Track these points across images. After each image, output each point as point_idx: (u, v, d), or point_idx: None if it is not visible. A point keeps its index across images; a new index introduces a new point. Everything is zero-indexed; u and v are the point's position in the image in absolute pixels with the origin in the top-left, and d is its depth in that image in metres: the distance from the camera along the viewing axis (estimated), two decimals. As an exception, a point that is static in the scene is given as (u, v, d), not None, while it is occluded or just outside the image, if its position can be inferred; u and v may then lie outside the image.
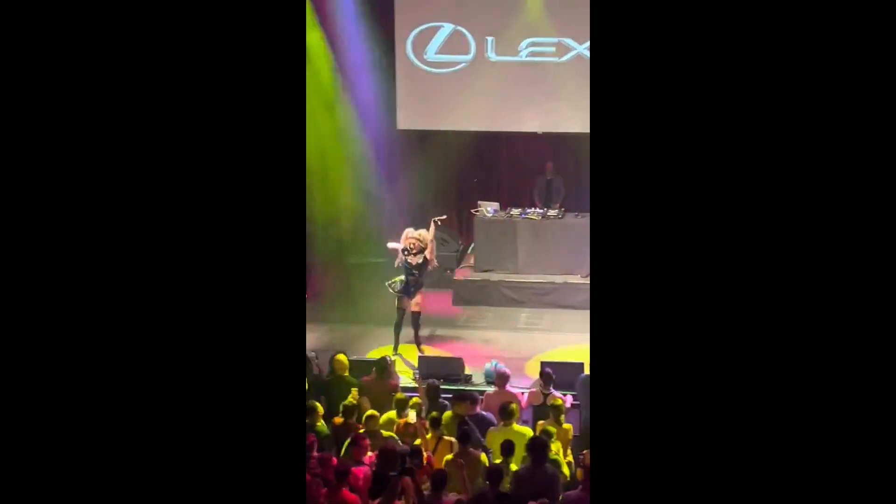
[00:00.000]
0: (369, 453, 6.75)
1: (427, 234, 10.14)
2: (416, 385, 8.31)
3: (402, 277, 10.08)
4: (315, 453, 6.55)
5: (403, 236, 10.13)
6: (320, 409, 7.33)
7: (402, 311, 10.17)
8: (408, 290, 10.07)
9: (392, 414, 7.49)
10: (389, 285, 10.15)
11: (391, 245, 10.26)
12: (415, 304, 10.11)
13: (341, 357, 8.38)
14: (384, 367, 8.33)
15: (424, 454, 6.60)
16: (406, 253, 10.00)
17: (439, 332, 10.45)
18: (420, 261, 10.01)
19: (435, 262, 10.34)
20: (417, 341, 10.20)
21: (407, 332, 10.34)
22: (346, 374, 8.27)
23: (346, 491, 6.05)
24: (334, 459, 6.48)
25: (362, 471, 6.44)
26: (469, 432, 6.83)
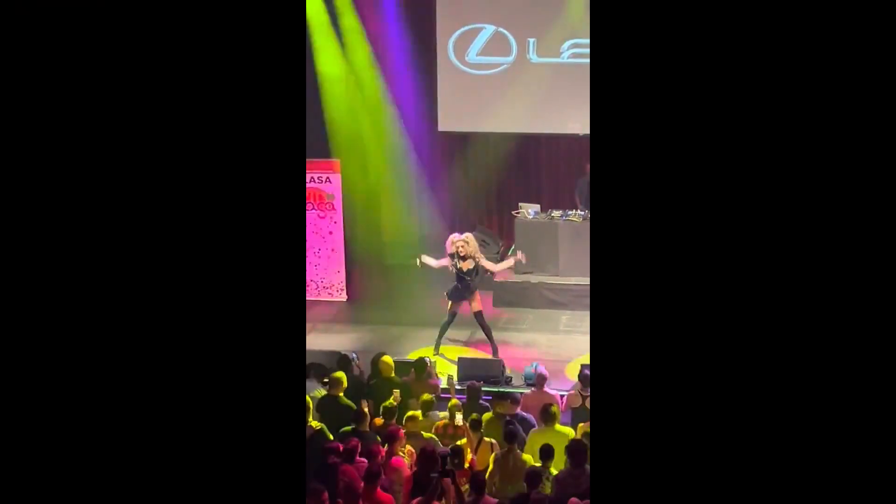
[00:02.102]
0: (408, 447, 6.76)
1: (474, 242, 10.09)
2: (449, 388, 8.29)
3: (457, 286, 9.99)
4: (358, 457, 6.58)
5: (449, 242, 10.07)
6: (367, 412, 7.34)
7: (452, 314, 10.13)
8: (459, 295, 10.01)
9: (418, 413, 7.47)
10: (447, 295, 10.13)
11: (426, 259, 10.16)
12: (474, 304, 10.04)
13: (387, 359, 8.39)
14: (423, 367, 8.33)
15: (468, 456, 6.60)
16: (455, 258, 9.94)
17: (479, 333, 10.42)
18: (471, 266, 9.93)
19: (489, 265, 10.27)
20: (492, 343, 10.11)
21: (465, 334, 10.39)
22: (392, 375, 8.28)
23: (379, 491, 6.07)
24: (381, 450, 6.51)
25: (400, 462, 6.45)
26: (515, 431, 6.82)
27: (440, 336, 10.15)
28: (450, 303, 10.09)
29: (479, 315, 10.07)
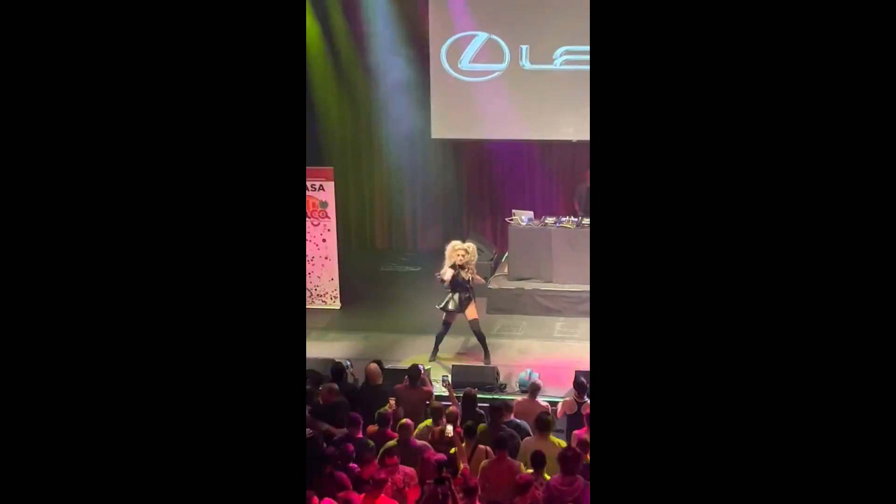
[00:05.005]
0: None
1: (472, 250, 10.11)
2: (447, 393, 8.29)
3: (453, 297, 9.98)
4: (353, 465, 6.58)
5: (450, 249, 10.07)
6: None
7: (447, 324, 10.12)
8: (463, 307, 10.04)
9: (428, 422, 7.48)
10: (441, 308, 10.09)
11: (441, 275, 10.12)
12: (470, 313, 10.05)
13: (373, 366, 8.38)
14: (416, 374, 8.33)
15: (461, 465, 6.58)
16: (457, 269, 9.93)
17: (473, 340, 10.43)
18: (470, 276, 9.95)
19: (478, 279, 10.27)
20: (486, 351, 10.12)
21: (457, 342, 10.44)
22: (380, 382, 8.28)
23: (383, 497, 6.06)
24: (374, 462, 6.52)
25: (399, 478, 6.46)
26: (506, 438, 6.81)
27: (436, 344, 10.16)
28: (445, 314, 10.10)
29: (474, 323, 10.08)
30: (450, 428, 7.09)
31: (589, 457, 6.62)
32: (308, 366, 8.43)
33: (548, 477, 6.45)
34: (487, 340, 10.21)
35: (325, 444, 6.92)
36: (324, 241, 11.88)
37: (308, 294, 11.87)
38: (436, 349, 10.15)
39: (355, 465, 6.55)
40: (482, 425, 7.35)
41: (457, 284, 9.92)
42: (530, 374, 9.16)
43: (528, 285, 11.80)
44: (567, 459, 6.33)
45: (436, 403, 7.72)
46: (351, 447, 6.74)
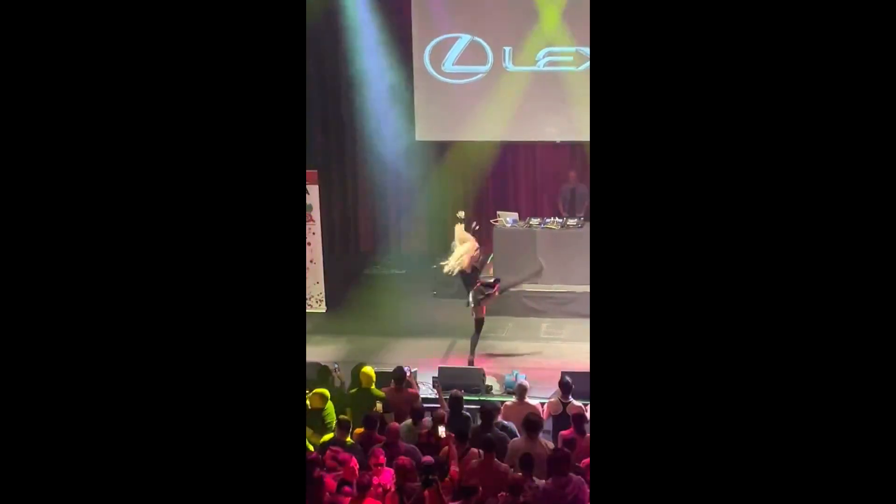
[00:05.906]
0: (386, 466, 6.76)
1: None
2: (437, 395, 8.29)
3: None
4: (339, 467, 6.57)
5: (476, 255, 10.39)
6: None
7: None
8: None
9: (408, 422, 7.47)
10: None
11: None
12: (479, 310, 10.25)
13: (367, 370, 8.37)
14: (401, 377, 8.32)
15: (452, 467, 6.58)
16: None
17: (459, 342, 10.44)
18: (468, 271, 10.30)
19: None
20: (472, 353, 10.22)
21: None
22: (373, 386, 8.27)
23: (370, 499, 6.05)
24: (355, 462, 6.52)
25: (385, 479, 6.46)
26: (493, 440, 6.81)
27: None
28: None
29: (479, 323, 10.18)
30: (442, 429, 7.08)
31: (576, 456, 6.65)
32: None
33: (537, 480, 6.45)
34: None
35: (311, 449, 6.92)
36: (308, 244, 11.86)
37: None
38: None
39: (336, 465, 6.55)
40: (474, 427, 7.35)
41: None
42: (516, 375, 9.17)
43: (514, 287, 11.79)
44: (557, 461, 6.33)
45: (416, 405, 7.71)
46: (338, 449, 6.73)
